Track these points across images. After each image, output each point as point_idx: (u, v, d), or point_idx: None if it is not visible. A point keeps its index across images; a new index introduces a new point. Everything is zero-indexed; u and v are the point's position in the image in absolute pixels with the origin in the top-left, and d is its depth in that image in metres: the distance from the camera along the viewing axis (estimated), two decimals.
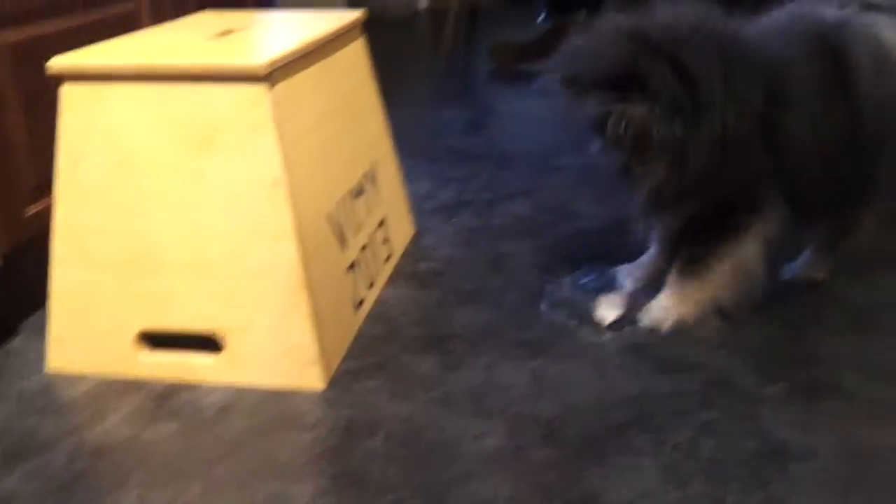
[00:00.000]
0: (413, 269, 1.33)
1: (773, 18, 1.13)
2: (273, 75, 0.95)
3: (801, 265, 1.26)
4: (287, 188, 0.96)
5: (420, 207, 1.59)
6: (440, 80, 2.80)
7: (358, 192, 1.20)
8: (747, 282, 1.09)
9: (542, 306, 1.20)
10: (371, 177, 1.26)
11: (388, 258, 1.30)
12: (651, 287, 1.19)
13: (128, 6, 1.35)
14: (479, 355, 1.08)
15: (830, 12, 1.11)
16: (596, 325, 1.14)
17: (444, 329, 1.15)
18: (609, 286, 1.24)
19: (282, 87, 0.97)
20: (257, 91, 0.94)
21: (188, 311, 1.03)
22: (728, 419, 0.94)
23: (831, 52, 1.06)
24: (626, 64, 0.97)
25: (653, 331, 1.13)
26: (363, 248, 1.20)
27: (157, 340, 1.06)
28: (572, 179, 1.73)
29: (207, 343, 1.04)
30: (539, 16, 1.99)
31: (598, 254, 1.34)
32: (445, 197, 1.66)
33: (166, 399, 1.02)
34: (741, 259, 1.08)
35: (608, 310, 1.16)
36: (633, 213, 1.13)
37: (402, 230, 1.40)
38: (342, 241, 1.12)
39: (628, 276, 1.24)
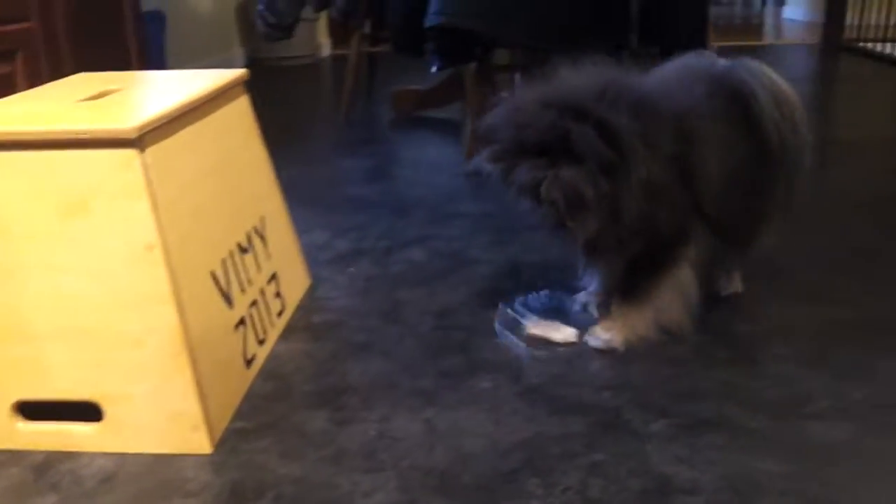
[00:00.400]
0: (307, 321, 1.32)
1: (667, 69, 1.23)
2: (144, 139, 0.93)
3: (729, 281, 1.36)
4: (163, 251, 0.94)
5: (316, 258, 1.58)
6: (341, 128, 2.81)
7: (245, 249, 1.18)
8: (685, 304, 1.19)
9: (496, 325, 1.27)
10: (259, 232, 1.25)
11: (280, 312, 1.29)
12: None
13: (3, 68, 1.32)
14: (373, 408, 1.07)
15: (718, 60, 1.24)
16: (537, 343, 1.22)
17: (338, 383, 1.14)
18: (558, 310, 1.30)
19: (154, 149, 0.96)
20: (128, 155, 0.92)
21: (65, 380, 0.99)
22: (616, 458, 0.96)
23: (730, 89, 1.17)
24: (550, 130, 1.04)
25: (602, 351, 1.19)
26: (252, 304, 1.18)
27: (36, 410, 1.01)
28: (468, 225, 1.75)
29: (89, 410, 1.00)
30: (433, 66, 2.03)
31: (499, 292, 1.36)
32: (342, 246, 1.65)
33: (46, 470, 0.97)
34: (677, 284, 1.18)
35: (557, 331, 1.23)
36: (574, 257, 1.25)
37: (295, 283, 1.39)
38: (228, 299, 1.10)
39: (576, 302, 1.33)
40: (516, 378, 1.13)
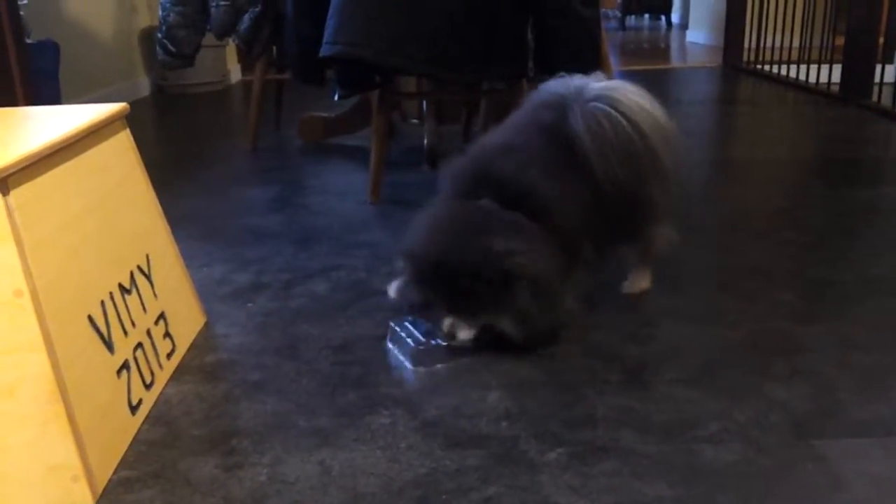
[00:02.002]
0: (200, 362, 1.28)
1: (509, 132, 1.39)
2: (7, 181, 0.89)
3: (630, 281, 1.50)
4: (32, 297, 0.90)
5: (213, 293, 1.54)
6: (247, 156, 2.76)
7: (128, 290, 1.14)
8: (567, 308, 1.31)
9: (387, 343, 1.32)
10: (144, 271, 1.20)
11: (170, 353, 1.24)
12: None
13: None
14: (265, 451, 1.04)
15: (585, 86, 1.36)
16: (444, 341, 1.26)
17: (229, 426, 1.10)
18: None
19: (21, 191, 0.91)
20: None
21: None
22: (510, 491, 0.95)
23: (564, 138, 1.31)
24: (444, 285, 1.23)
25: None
26: (137, 346, 1.13)
27: None
28: (371, 255, 1.73)
29: None
30: (334, 95, 2.01)
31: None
32: (241, 280, 1.61)
33: None
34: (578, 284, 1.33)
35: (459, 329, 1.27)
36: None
37: (188, 321, 1.34)
38: (108, 343, 1.05)
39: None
40: (414, 412, 1.11)
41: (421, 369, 1.24)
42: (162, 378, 1.19)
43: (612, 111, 1.30)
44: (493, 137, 1.38)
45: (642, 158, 1.32)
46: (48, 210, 0.97)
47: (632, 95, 1.34)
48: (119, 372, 1.07)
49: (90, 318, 1.02)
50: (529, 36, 1.91)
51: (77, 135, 1.05)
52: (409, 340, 1.27)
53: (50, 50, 2.55)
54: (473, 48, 1.81)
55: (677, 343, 1.29)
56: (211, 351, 1.31)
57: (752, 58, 4.53)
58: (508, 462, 1.00)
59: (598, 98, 1.32)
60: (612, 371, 1.21)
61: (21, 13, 1.93)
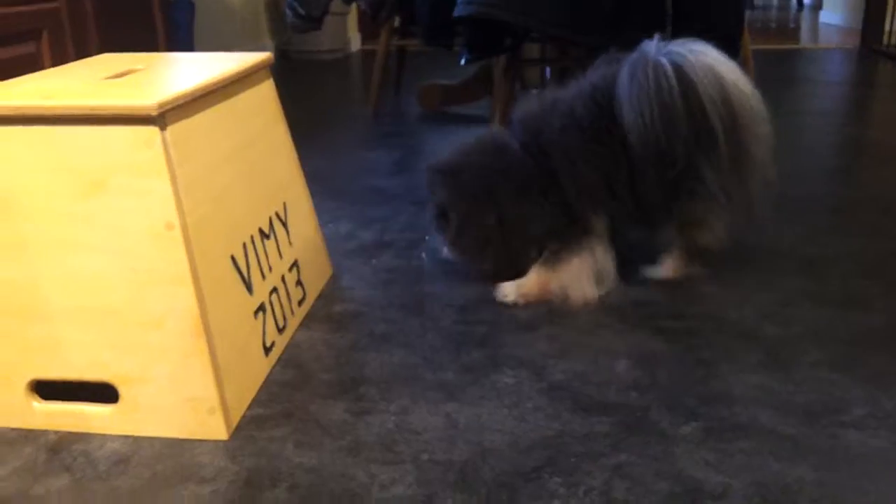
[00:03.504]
0: (328, 311, 1.30)
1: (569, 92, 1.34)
2: (165, 116, 0.91)
3: (658, 267, 1.39)
4: (182, 231, 0.92)
5: (339, 248, 1.56)
6: (368, 122, 2.79)
7: (267, 235, 1.16)
8: (597, 276, 1.31)
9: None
10: (281, 218, 1.23)
11: (301, 301, 1.27)
12: None
13: (28, 48, 1.31)
14: (392, 400, 1.05)
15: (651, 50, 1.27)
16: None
17: (357, 373, 1.11)
18: None
19: (176, 128, 0.94)
20: (148, 133, 0.91)
21: (80, 360, 0.98)
22: (642, 460, 0.92)
23: (601, 99, 1.28)
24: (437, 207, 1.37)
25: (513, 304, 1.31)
26: (273, 290, 1.16)
27: (51, 389, 1.00)
28: None
29: (105, 391, 0.98)
30: (461, 58, 2.00)
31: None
32: (365, 237, 1.63)
33: (59, 451, 0.96)
34: (588, 256, 1.30)
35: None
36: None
37: (317, 272, 1.37)
38: (248, 284, 1.08)
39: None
40: (540, 374, 1.10)
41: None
42: (293, 323, 1.22)
43: (667, 65, 1.21)
44: (555, 90, 1.37)
45: (687, 120, 1.21)
46: (201, 148, 1.00)
47: (705, 58, 1.23)
48: (256, 313, 1.09)
49: (233, 259, 1.05)
50: (668, 1, 1.84)
51: (228, 78, 1.08)
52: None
53: (186, 7, 2.64)
54: (607, 11, 1.76)
55: (818, 326, 1.23)
56: (339, 301, 1.33)
57: (894, 41, 4.25)
58: (639, 431, 0.98)
59: (665, 54, 1.24)
60: (749, 350, 1.16)
61: None
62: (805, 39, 5.44)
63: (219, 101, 1.07)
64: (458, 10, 1.73)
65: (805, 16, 7.13)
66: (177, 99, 0.94)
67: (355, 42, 4.72)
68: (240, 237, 1.08)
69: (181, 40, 2.52)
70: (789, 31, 5.96)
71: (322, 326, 1.24)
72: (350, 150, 2.38)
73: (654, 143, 1.22)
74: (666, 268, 1.39)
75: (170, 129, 0.93)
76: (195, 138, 0.99)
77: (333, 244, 1.57)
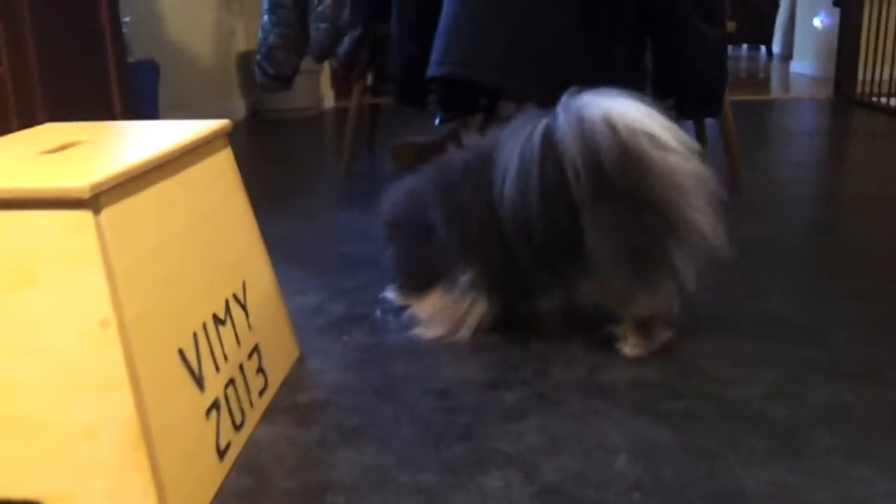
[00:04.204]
0: (293, 401, 1.18)
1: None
2: (99, 199, 0.81)
3: (625, 343, 1.29)
4: (119, 329, 0.81)
5: (308, 325, 1.44)
6: (341, 181, 2.70)
7: (222, 320, 1.05)
8: (451, 323, 1.37)
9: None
10: (239, 300, 1.11)
11: (262, 390, 1.15)
12: None
13: None
14: None
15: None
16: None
17: (324, 478, 0.99)
18: None
19: (113, 210, 0.83)
20: (80, 218, 0.80)
21: (5, 475, 0.85)
22: None
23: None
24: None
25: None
26: (229, 383, 1.04)
27: None
28: None
29: None
30: (435, 119, 1.92)
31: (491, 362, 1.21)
32: (336, 311, 1.51)
33: None
34: (449, 297, 1.35)
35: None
36: None
37: (281, 355, 1.25)
38: (199, 380, 0.96)
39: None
40: (530, 474, 0.98)
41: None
42: (252, 418, 1.10)
43: (539, 128, 1.17)
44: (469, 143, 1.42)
45: (544, 192, 1.15)
46: (144, 230, 0.89)
47: (599, 110, 1.13)
48: (209, 412, 0.97)
49: (181, 353, 0.93)
50: (647, 59, 1.78)
51: (177, 151, 0.97)
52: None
53: (150, 70, 2.55)
54: (586, 70, 1.69)
55: (829, 405, 1.12)
56: (305, 389, 1.21)
57: (868, 90, 4.26)
58: None
59: (561, 111, 1.18)
60: (757, 436, 1.05)
61: (124, 30, 1.91)
62: (776, 90, 5.47)
63: (167, 176, 0.96)
64: (431, 70, 1.65)
65: (775, 65, 7.21)
66: (113, 178, 0.83)
67: (328, 99, 4.66)
68: (190, 327, 0.96)
69: (145, 105, 2.42)
70: (760, 82, 6.00)
71: (286, 419, 1.12)
72: (321, 213, 2.28)
73: (515, 213, 1.19)
74: (630, 345, 1.29)
75: (105, 212, 0.82)
76: (137, 220, 0.88)
77: (301, 320, 1.46)
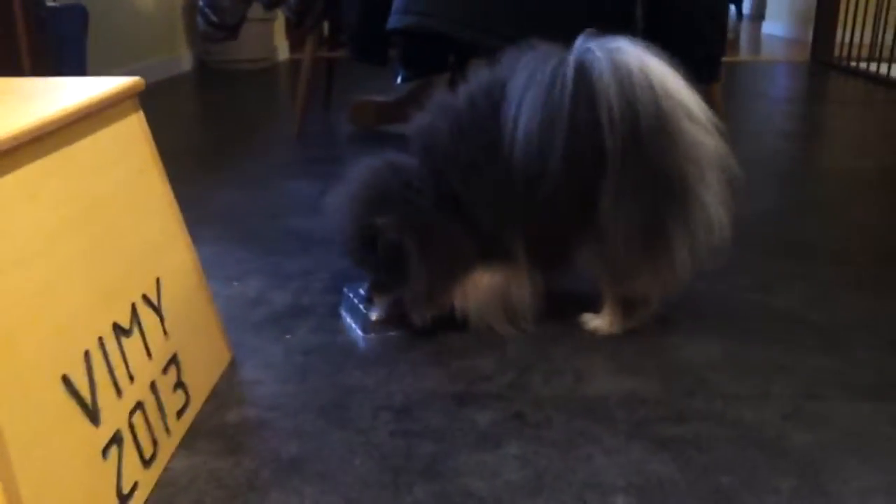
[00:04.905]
0: (220, 420, 0.97)
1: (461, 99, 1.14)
2: None
3: (596, 318, 1.18)
4: None
5: (244, 319, 1.24)
6: (292, 144, 2.46)
7: (126, 330, 0.84)
8: (510, 308, 1.16)
9: (341, 310, 1.26)
10: (151, 302, 0.90)
11: (182, 409, 0.94)
12: None
13: None
14: None
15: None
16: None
17: None
18: None
19: None
20: None
21: None
22: None
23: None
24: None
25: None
26: (136, 408, 0.83)
27: None
28: None
29: None
30: (397, 77, 1.69)
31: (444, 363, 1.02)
32: (279, 302, 1.31)
33: None
34: (499, 282, 1.14)
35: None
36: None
37: (208, 363, 1.04)
38: (92, 412, 0.75)
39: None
40: None
41: (372, 336, 1.19)
42: (168, 447, 0.89)
43: (570, 62, 1.03)
44: (450, 93, 1.16)
45: (573, 133, 1.01)
46: (12, 224, 0.67)
47: (626, 56, 1.03)
48: (106, 450, 0.76)
49: (66, 380, 0.72)
50: (638, 13, 1.57)
51: (63, 119, 0.75)
52: (361, 306, 1.26)
53: (76, 15, 2.27)
54: (570, 23, 1.47)
55: (857, 429, 0.95)
56: (235, 404, 1.01)
57: (845, 53, 4.11)
58: None
59: (581, 51, 1.06)
60: (777, 468, 0.87)
61: None
62: (745, 51, 5.30)
63: (47, 152, 0.74)
64: (392, 21, 1.42)
65: (745, 26, 7.03)
66: None
67: (283, 51, 4.37)
68: (79, 344, 0.75)
69: (69, 59, 2.15)
70: (729, 43, 5.83)
71: (210, 447, 0.92)
72: (269, 181, 2.05)
73: (531, 152, 1.02)
74: (599, 320, 1.18)
75: None
76: (2, 208, 0.66)
77: (237, 313, 1.25)
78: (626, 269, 1.11)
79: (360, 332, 1.19)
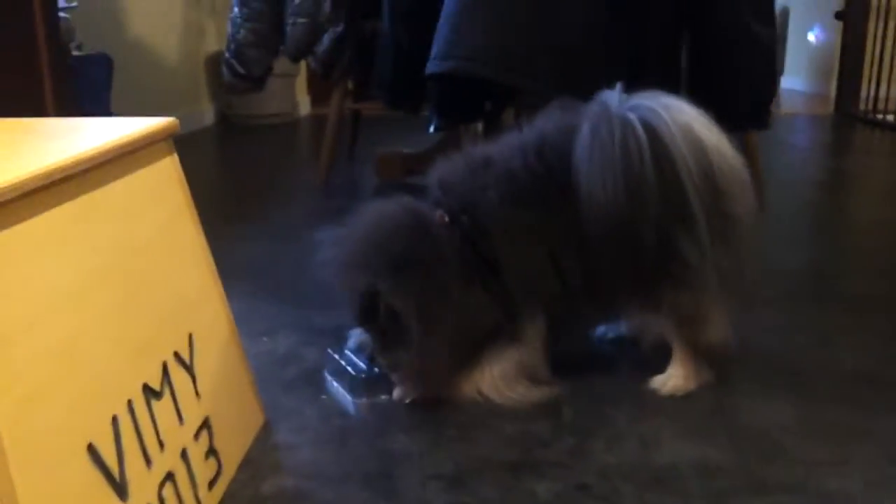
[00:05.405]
0: (254, 492, 0.88)
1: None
2: None
3: (665, 376, 1.11)
4: None
5: (276, 378, 1.16)
6: (318, 195, 2.41)
7: (157, 392, 0.76)
8: (527, 377, 1.08)
9: (325, 374, 1.14)
10: (183, 360, 0.82)
11: (214, 479, 0.85)
12: None
13: None
14: None
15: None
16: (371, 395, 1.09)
17: None
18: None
19: None
20: None
21: None
22: None
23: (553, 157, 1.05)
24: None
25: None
26: (166, 479, 0.75)
27: None
28: None
29: None
30: (430, 126, 1.63)
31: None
32: (312, 359, 1.23)
33: None
34: (515, 357, 1.07)
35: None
36: None
37: (241, 427, 0.96)
38: (119, 485, 0.67)
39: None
40: None
41: (364, 401, 1.07)
42: None
43: (637, 123, 1.00)
44: (485, 145, 1.12)
45: (659, 193, 1.00)
46: (35, 273, 0.60)
47: (680, 115, 1.02)
48: None
49: (91, 450, 0.64)
50: (682, 63, 1.52)
51: (93, 158, 0.68)
52: (349, 369, 1.15)
53: (101, 64, 2.25)
54: (616, 71, 1.42)
55: None
56: (270, 472, 0.92)
57: (870, 107, 4.06)
58: None
59: (632, 108, 1.02)
60: None
61: (65, 16, 1.61)
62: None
63: (74, 196, 0.67)
64: (432, 66, 1.37)
65: None
66: None
67: (304, 106, 4.37)
68: (106, 409, 0.67)
69: (95, 103, 2.12)
70: None
71: None
72: (295, 232, 1.99)
73: (617, 219, 0.99)
74: (675, 378, 1.11)
75: None
76: (27, 255, 0.59)
77: (267, 371, 1.17)
78: (700, 316, 1.09)
79: (348, 397, 1.08)
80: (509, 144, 1.08)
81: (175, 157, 0.88)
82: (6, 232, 0.58)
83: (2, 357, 0.55)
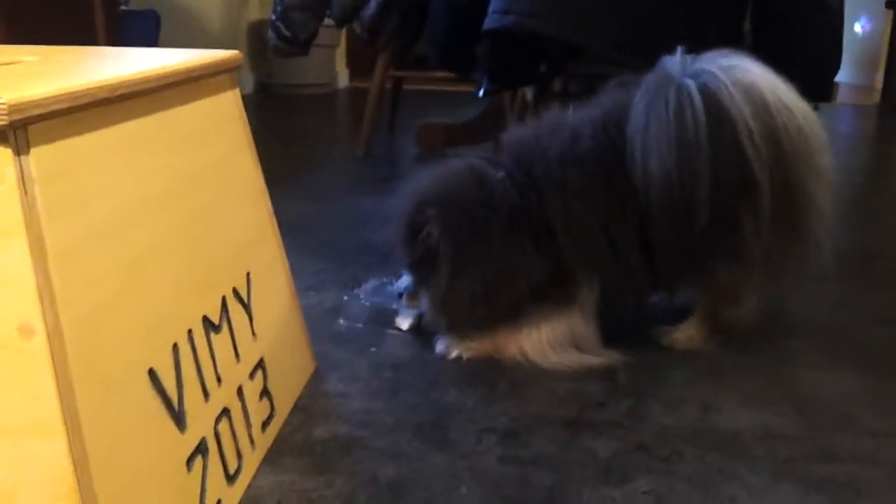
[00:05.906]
0: (307, 436, 0.87)
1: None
2: (27, 131, 0.50)
3: (676, 329, 1.11)
4: (49, 341, 0.51)
5: (325, 330, 1.14)
6: (360, 162, 2.39)
7: (216, 326, 0.74)
8: (578, 345, 1.06)
9: (340, 321, 1.16)
10: (241, 298, 0.81)
11: (267, 421, 0.84)
12: None
13: None
14: None
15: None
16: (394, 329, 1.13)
17: None
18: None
19: (47, 152, 0.53)
20: None
21: None
22: None
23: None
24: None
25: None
26: (222, 415, 0.73)
27: None
28: None
29: None
30: (479, 90, 1.60)
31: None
32: (359, 314, 1.21)
33: None
34: (563, 323, 1.05)
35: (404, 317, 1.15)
36: None
37: (293, 372, 0.94)
38: (178, 415, 0.65)
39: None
40: None
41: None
42: (252, 462, 0.79)
43: (694, 90, 0.96)
44: (557, 114, 1.09)
45: (715, 164, 0.96)
46: (96, 190, 0.58)
47: (744, 76, 0.98)
48: (191, 460, 0.67)
49: (152, 374, 0.63)
50: (747, 26, 1.47)
51: (156, 78, 0.66)
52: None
53: (149, 20, 2.24)
54: (677, 34, 1.37)
55: None
56: (322, 419, 0.90)
57: None
58: None
59: (692, 74, 0.99)
60: None
61: None
62: None
63: (141, 114, 0.65)
64: (491, 21, 1.33)
65: None
66: (51, 100, 0.52)
67: (343, 78, 4.34)
68: (167, 336, 0.66)
69: None
70: None
71: (297, 464, 0.82)
72: (338, 196, 1.97)
73: (671, 190, 0.96)
74: (681, 336, 1.11)
75: (35, 152, 0.51)
76: (88, 171, 0.58)
77: (316, 324, 1.15)
78: (742, 293, 1.08)
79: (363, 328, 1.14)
80: (575, 115, 1.07)
81: (237, 92, 0.86)
82: (77, 139, 0.56)
83: (71, 265, 0.54)
